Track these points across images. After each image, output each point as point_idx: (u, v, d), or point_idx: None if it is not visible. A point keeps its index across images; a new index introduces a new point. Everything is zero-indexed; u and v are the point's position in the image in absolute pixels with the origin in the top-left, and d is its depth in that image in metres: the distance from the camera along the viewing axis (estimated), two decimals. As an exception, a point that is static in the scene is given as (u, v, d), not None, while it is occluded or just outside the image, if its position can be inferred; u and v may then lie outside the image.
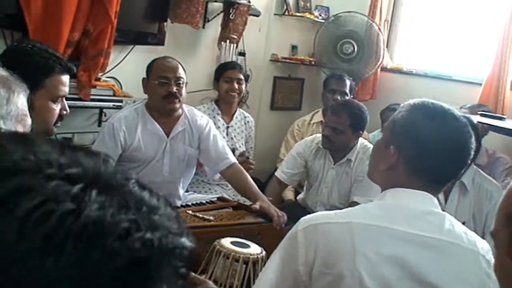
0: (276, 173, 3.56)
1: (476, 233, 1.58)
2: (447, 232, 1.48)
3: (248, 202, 3.14)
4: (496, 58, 4.42)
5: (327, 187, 3.47)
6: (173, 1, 4.09)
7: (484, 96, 4.41)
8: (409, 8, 5.35)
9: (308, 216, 1.55)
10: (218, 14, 4.58)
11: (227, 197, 3.24)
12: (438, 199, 2.72)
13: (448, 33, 4.99)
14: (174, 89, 3.04)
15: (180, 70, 3.11)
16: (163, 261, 0.51)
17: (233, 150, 3.89)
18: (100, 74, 3.54)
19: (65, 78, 2.12)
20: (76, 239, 0.45)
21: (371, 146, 3.44)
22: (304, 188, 3.72)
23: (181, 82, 3.08)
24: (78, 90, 3.37)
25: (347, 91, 4.41)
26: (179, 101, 3.10)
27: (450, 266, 1.45)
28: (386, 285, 1.41)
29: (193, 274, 2.00)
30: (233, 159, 3.23)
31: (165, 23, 4.03)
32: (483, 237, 1.58)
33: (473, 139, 1.53)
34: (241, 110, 4.25)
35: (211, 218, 2.65)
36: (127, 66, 3.83)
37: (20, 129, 1.24)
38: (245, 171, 3.22)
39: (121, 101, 3.67)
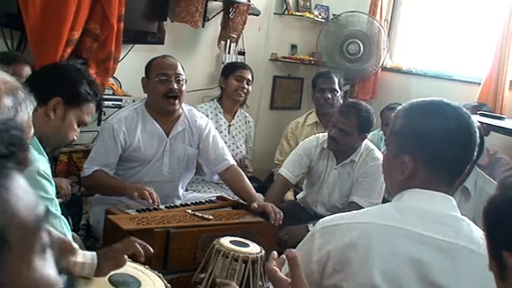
0: (281, 172, 3.50)
1: None
2: (464, 237, 1.46)
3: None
4: (495, 57, 4.43)
5: (329, 187, 3.46)
6: (172, 0, 4.09)
7: (483, 96, 4.42)
8: (408, 8, 5.35)
9: (327, 217, 1.57)
10: (217, 13, 4.57)
11: (226, 196, 3.23)
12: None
13: (447, 33, 4.99)
14: (175, 85, 3.03)
15: (180, 68, 3.11)
16: None
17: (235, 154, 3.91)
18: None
19: (94, 109, 2.26)
20: None
21: (374, 147, 3.43)
22: (304, 187, 3.71)
23: (181, 79, 3.08)
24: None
25: (337, 87, 4.40)
26: (179, 101, 3.09)
27: (464, 272, 1.43)
28: (397, 286, 1.41)
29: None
30: (231, 160, 3.22)
31: (164, 22, 4.03)
32: None
33: (474, 123, 1.54)
34: (241, 110, 4.25)
35: (211, 217, 2.65)
36: (126, 65, 3.83)
37: None
38: (243, 173, 3.22)
39: (120, 100, 3.66)
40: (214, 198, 3.12)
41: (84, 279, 1.81)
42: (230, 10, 4.53)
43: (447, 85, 4.79)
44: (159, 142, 3.14)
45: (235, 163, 3.27)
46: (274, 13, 5.15)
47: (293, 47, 5.42)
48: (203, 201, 3.04)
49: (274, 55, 5.20)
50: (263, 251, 2.26)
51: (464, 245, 1.45)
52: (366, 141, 3.43)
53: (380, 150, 3.51)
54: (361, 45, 5.07)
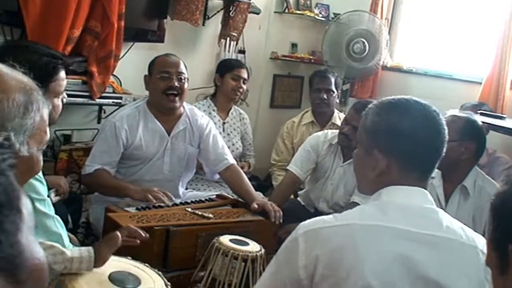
0: (289, 168, 3.47)
1: None
2: (446, 228, 1.49)
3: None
4: (496, 57, 4.42)
5: (333, 184, 3.45)
6: (173, -2, 4.09)
7: (484, 95, 4.42)
8: (409, 7, 5.35)
9: (307, 221, 1.55)
10: (218, 11, 4.57)
11: (226, 194, 3.23)
12: (439, 201, 2.73)
13: (448, 32, 4.99)
14: (176, 83, 3.04)
15: (182, 66, 3.12)
16: None
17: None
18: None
19: (63, 73, 2.15)
20: None
21: None
22: (306, 183, 3.68)
23: (182, 77, 3.08)
24: (89, 88, 3.40)
25: (333, 88, 4.37)
26: (180, 98, 3.09)
27: (451, 262, 1.46)
28: (390, 284, 1.41)
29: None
30: (231, 160, 3.22)
31: (165, 20, 4.03)
32: None
33: (443, 120, 1.58)
34: (235, 107, 4.24)
35: (210, 215, 2.65)
36: (126, 63, 3.83)
37: (33, 145, 1.21)
38: (242, 173, 3.22)
39: (120, 98, 3.67)
40: (214, 196, 3.12)
41: (84, 277, 1.81)
42: (231, 9, 4.53)
43: (448, 85, 4.79)
44: (160, 141, 3.14)
45: (235, 162, 3.27)
46: (275, 12, 5.15)
47: (294, 45, 5.42)
48: (203, 199, 3.04)
49: (274, 54, 5.20)
50: (263, 250, 2.26)
51: (447, 236, 1.48)
52: None
53: None
54: (366, 44, 5.07)
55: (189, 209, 2.69)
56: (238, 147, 4.13)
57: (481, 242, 1.52)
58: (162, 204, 2.76)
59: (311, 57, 5.45)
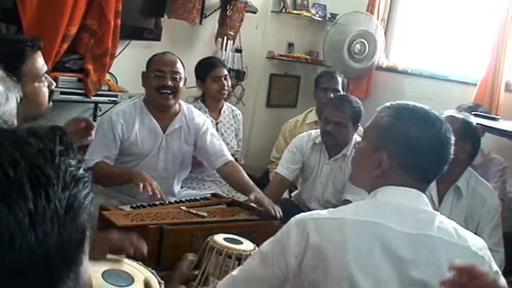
0: (277, 171, 3.53)
1: None
2: (436, 228, 1.51)
3: (242, 198, 3.15)
4: (491, 59, 4.44)
5: (322, 183, 3.48)
6: (170, -4, 4.09)
7: (479, 97, 4.44)
8: (405, 8, 5.37)
9: (301, 213, 1.58)
10: (215, 10, 4.58)
11: (221, 193, 3.24)
12: (432, 201, 2.75)
13: (444, 34, 5.01)
14: (169, 82, 3.05)
15: (178, 65, 3.12)
16: None
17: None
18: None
19: (38, 55, 2.07)
20: None
21: None
22: (299, 184, 3.72)
23: (177, 76, 3.09)
24: (84, 85, 3.40)
25: (340, 88, 4.39)
26: (174, 96, 3.10)
27: (440, 262, 1.48)
28: (374, 279, 1.44)
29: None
30: (230, 157, 3.24)
31: (162, 19, 4.04)
32: None
33: (452, 134, 1.60)
34: (227, 104, 4.20)
35: (205, 214, 2.65)
36: (123, 61, 3.83)
37: None
38: (240, 168, 3.24)
39: (116, 96, 3.67)
40: (209, 195, 3.13)
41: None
42: (228, 8, 4.54)
43: (443, 86, 4.80)
44: (156, 138, 3.15)
45: (233, 159, 3.28)
46: (272, 11, 5.16)
47: (290, 45, 5.43)
48: (198, 198, 3.05)
49: (271, 53, 5.21)
50: (257, 249, 2.27)
51: (439, 236, 1.50)
52: (356, 136, 3.45)
53: None
54: (366, 44, 5.08)
55: (184, 208, 2.70)
56: (233, 145, 4.12)
57: (475, 244, 1.54)
58: (156, 203, 2.76)
59: (307, 56, 5.47)
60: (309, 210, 3.36)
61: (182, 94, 3.18)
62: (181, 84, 3.11)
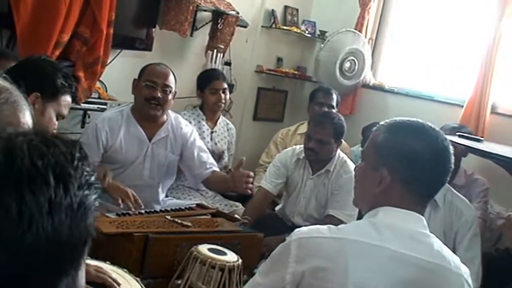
0: (261, 185, 3.56)
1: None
2: (436, 254, 1.52)
3: (227, 209, 3.18)
4: (478, 80, 4.48)
5: (305, 198, 3.52)
6: (162, 7, 4.12)
7: (465, 118, 4.47)
8: (394, 27, 5.43)
9: (303, 228, 1.58)
10: (206, 23, 4.63)
11: (206, 204, 3.26)
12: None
13: (432, 54, 5.06)
14: (159, 94, 3.07)
15: (170, 79, 3.14)
16: None
17: (221, 154, 3.95)
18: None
19: (70, 101, 2.26)
20: None
21: (348, 160, 3.50)
22: (282, 198, 3.76)
23: (168, 90, 3.11)
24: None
25: (334, 104, 4.46)
26: (162, 108, 3.12)
27: (437, 287, 1.50)
28: None
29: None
30: (215, 168, 3.27)
31: (153, 29, 4.06)
32: (454, 253, 1.63)
33: (449, 143, 1.59)
34: (223, 117, 4.29)
35: (189, 224, 2.66)
36: (113, 70, 3.85)
37: None
38: (225, 175, 3.28)
39: (105, 104, 3.69)
40: (194, 205, 3.15)
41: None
42: (219, 21, 4.59)
43: (429, 106, 4.83)
44: (141, 146, 3.17)
45: (219, 170, 3.32)
46: (262, 26, 5.21)
47: (279, 60, 5.48)
48: (183, 207, 3.06)
49: (259, 67, 5.26)
50: (240, 260, 2.29)
51: (439, 263, 1.51)
52: (340, 153, 3.49)
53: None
54: (356, 61, 5.14)
55: (169, 217, 2.71)
56: (225, 156, 4.17)
57: (465, 271, 1.56)
58: (141, 211, 2.78)
59: (296, 72, 5.52)
60: (293, 224, 3.45)
61: (169, 107, 3.20)
62: (170, 97, 3.14)
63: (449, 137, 3.06)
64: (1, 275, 0.65)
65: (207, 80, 4.07)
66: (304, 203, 3.52)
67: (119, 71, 3.88)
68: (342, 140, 3.49)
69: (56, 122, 2.21)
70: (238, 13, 4.65)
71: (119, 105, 3.56)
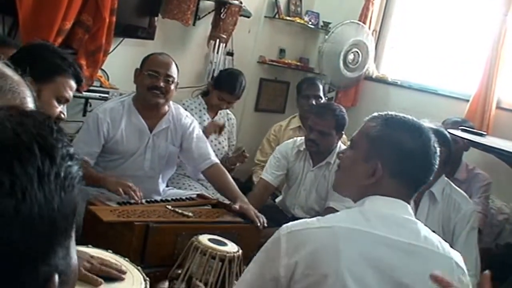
0: (262, 176, 3.56)
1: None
2: (423, 238, 1.55)
3: (227, 200, 3.17)
4: (483, 75, 4.46)
5: (306, 190, 3.51)
6: (165, -4, 4.11)
7: (471, 113, 4.45)
8: (398, 19, 5.40)
9: (291, 222, 1.59)
10: (209, 12, 4.61)
11: (207, 194, 3.26)
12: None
13: (437, 47, 5.04)
14: (161, 84, 3.05)
15: (173, 68, 3.13)
16: None
17: (222, 127, 3.96)
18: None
19: (73, 83, 2.15)
20: None
21: None
22: (283, 190, 3.76)
23: (170, 79, 3.09)
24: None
25: (321, 94, 4.45)
26: (164, 97, 3.10)
27: (425, 270, 1.49)
28: (366, 287, 1.46)
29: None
30: (215, 159, 3.24)
31: (156, 18, 4.05)
32: (451, 247, 1.64)
33: (437, 144, 1.65)
34: None
35: (190, 214, 2.67)
36: (115, 58, 3.84)
37: None
38: (226, 172, 3.23)
39: (107, 92, 3.67)
40: (195, 195, 3.14)
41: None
42: (222, 10, 4.57)
43: (432, 100, 4.82)
44: (142, 137, 3.15)
45: (219, 162, 3.29)
46: (265, 16, 5.19)
47: (282, 51, 5.46)
48: (184, 198, 3.06)
49: (262, 58, 5.24)
50: (240, 251, 2.29)
51: (424, 246, 1.54)
52: (341, 144, 3.49)
53: None
54: (360, 53, 5.12)
55: (169, 207, 2.71)
56: (224, 146, 4.17)
57: (456, 255, 1.59)
58: (142, 201, 2.78)
59: (298, 63, 5.50)
60: (293, 216, 3.45)
61: (172, 97, 3.18)
62: (173, 87, 3.12)
63: (452, 131, 3.09)
64: None
65: (222, 85, 4.06)
66: (305, 195, 3.52)
67: (121, 59, 3.87)
68: (343, 132, 3.48)
69: (63, 107, 2.14)
70: (241, 2, 4.63)
71: (120, 94, 3.55)
